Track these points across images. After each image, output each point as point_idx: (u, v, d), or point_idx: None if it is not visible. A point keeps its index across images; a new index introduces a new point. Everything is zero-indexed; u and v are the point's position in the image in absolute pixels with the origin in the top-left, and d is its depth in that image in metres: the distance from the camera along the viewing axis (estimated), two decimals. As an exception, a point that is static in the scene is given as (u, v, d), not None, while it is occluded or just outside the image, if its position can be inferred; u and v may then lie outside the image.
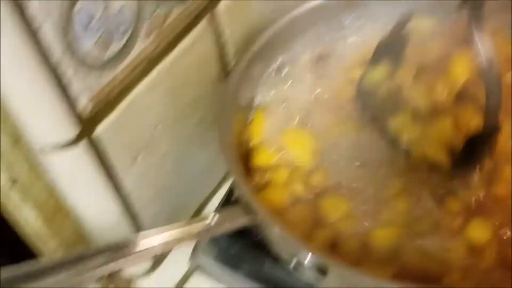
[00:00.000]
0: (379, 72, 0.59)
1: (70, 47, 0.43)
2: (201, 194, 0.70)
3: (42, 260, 0.41)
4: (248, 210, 0.50)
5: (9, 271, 0.40)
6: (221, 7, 0.59)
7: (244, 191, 0.51)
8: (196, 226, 0.48)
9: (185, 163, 0.63)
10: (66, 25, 0.42)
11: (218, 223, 0.49)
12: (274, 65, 0.65)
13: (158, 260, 0.65)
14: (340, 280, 0.48)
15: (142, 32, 0.50)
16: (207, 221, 0.49)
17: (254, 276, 0.59)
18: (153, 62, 0.53)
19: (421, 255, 0.48)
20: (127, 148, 0.54)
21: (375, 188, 0.54)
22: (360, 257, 0.50)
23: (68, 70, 0.44)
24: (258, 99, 0.64)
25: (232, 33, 0.62)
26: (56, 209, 0.53)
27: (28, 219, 0.52)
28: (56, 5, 0.41)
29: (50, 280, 0.41)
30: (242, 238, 0.60)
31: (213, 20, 0.58)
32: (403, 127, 0.56)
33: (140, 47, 0.50)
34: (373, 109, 0.59)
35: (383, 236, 0.50)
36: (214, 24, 0.59)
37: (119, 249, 0.46)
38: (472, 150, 0.51)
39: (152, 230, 0.48)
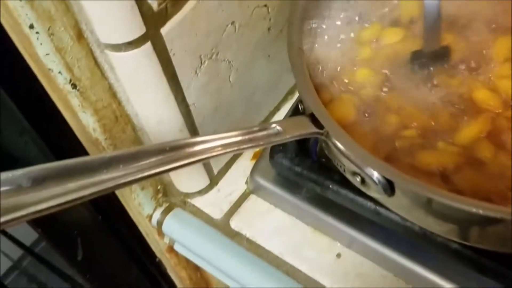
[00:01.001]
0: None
1: None
2: (266, 108, 0.66)
3: (97, 156, 0.37)
4: (314, 120, 0.45)
5: (61, 166, 0.37)
6: None
7: (310, 101, 0.46)
8: (257, 133, 0.44)
9: (250, 74, 0.59)
10: None
11: (280, 132, 0.44)
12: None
13: (215, 178, 0.62)
14: (408, 199, 0.44)
15: None
16: (269, 129, 0.44)
17: (315, 200, 0.56)
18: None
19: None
20: (192, 53, 0.49)
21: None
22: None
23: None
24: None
25: None
26: (116, 116, 0.50)
27: (87, 126, 0.48)
28: None
29: (104, 176, 0.37)
30: (304, 160, 0.56)
31: None
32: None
33: None
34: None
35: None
36: None
37: (176, 149, 0.41)
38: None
39: (211, 136, 0.43)
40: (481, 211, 0.37)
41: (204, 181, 0.60)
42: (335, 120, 0.48)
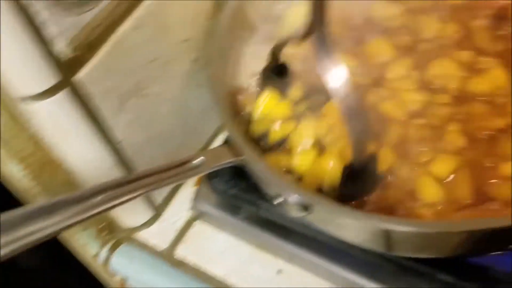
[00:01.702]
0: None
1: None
2: (207, 132, 0.67)
3: (41, 201, 0.38)
4: (233, 149, 0.48)
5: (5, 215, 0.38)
6: None
7: (230, 131, 0.49)
8: (181, 167, 0.46)
9: (182, 103, 0.60)
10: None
11: (204, 163, 0.47)
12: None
13: (159, 209, 0.63)
14: (324, 217, 0.47)
15: (121, -34, 0.46)
16: (193, 161, 0.47)
17: (253, 220, 0.58)
18: (137, -2, 0.49)
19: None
20: (115, 92, 0.51)
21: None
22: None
23: (42, 12, 0.40)
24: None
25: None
26: (44, 163, 0.51)
27: (14, 176, 0.49)
28: None
29: (48, 222, 0.39)
30: (239, 183, 0.58)
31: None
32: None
33: (121, -17, 0.47)
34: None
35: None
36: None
37: (94, 196, 0.42)
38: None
39: (128, 176, 0.45)
40: (383, 226, 0.39)
41: (148, 213, 0.62)
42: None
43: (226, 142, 0.51)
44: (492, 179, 0.46)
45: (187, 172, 0.46)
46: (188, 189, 0.65)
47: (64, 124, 0.47)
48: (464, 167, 0.47)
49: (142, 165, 0.57)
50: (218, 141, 0.68)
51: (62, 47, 0.43)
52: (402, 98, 0.52)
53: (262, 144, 0.53)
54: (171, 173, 0.45)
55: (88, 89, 0.47)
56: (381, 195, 0.46)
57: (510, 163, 0.46)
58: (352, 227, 0.44)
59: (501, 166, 0.46)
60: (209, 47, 0.56)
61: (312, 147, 0.51)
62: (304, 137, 0.52)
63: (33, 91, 0.44)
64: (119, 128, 0.52)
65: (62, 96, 0.45)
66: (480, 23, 0.57)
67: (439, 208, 0.45)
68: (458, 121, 0.50)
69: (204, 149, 0.67)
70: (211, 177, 0.60)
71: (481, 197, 0.45)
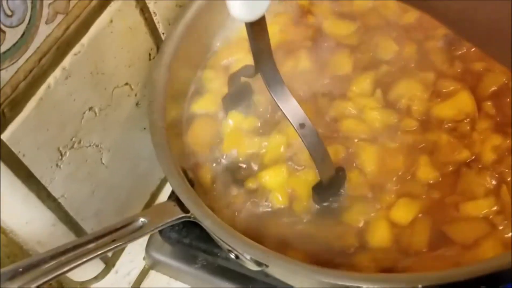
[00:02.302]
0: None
1: None
2: (156, 177, 0.64)
3: None
4: (180, 204, 0.46)
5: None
6: (140, -24, 0.52)
7: (174, 185, 0.47)
8: (120, 231, 0.44)
9: (127, 150, 0.58)
10: None
11: (145, 224, 0.45)
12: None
13: (110, 260, 0.60)
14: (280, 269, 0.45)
15: (43, 18, 0.43)
16: (133, 223, 0.45)
17: (209, 268, 0.55)
18: (65, 47, 0.46)
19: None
20: (48, 148, 0.48)
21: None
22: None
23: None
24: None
25: (158, 4, 0.55)
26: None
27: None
28: None
29: None
30: (192, 231, 0.55)
31: (132, -9, 0.52)
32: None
33: (44, 33, 0.44)
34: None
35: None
36: (134, -5, 0.52)
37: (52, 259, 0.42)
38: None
39: (84, 237, 0.43)
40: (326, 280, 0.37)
41: (98, 266, 0.59)
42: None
43: (172, 195, 0.48)
44: (453, 221, 0.45)
45: (130, 235, 0.44)
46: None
47: (-4, 187, 0.44)
48: (426, 213, 0.46)
49: (89, 218, 0.54)
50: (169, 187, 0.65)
51: (-19, 108, 0.40)
52: (366, 117, 0.51)
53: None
54: (113, 237, 0.42)
55: (17, 149, 0.44)
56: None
57: (473, 201, 0.44)
58: (306, 279, 0.41)
59: (463, 205, 0.45)
60: (151, 89, 0.53)
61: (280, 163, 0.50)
62: (271, 153, 0.52)
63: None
64: (58, 183, 0.49)
65: (-13, 160, 0.42)
66: (435, 43, 0.55)
67: (384, 256, 0.43)
68: (426, 153, 0.49)
69: (155, 193, 0.64)
70: (162, 225, 0.57)
71: (439, 242, 0.43)
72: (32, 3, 0.42)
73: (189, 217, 0.45)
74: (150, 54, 0.57)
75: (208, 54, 0.60)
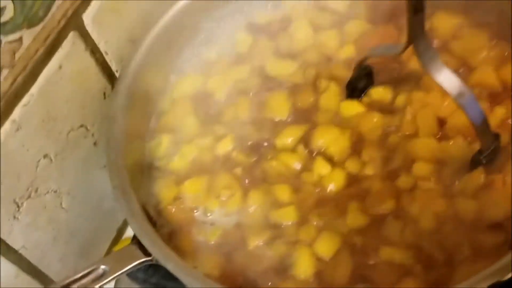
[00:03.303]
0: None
1: None
2: (117, 219, 0.63)
3: None
4: (141, 247, 0.46)
5: None
6: (87, 20, 0.51)
7: (135, 228, 0.47)
8: (81, 281, 0.44)
9: (86, 194, 0.57)
10: None
11: (106, 271, 0.44)
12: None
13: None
14: None
15: (-13, 73, 0.42)
16: (94, 272, 0.44)
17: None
18: (14, 98, 0.46)
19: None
20: (3, 200, 0.47)
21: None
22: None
23: None
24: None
25: (109, 43, 0.55)
26: None
27: None
28: None
29: None
30: (158, 270, 0.54)
31: (81, 36, 0.51)
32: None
33: (-9, 88, 0.43)
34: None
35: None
36: (83, 39, 0.51)
37: None
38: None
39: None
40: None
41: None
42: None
43: (134, 238, 0.47)
44: (371, 262, 0.46)
45: (92, 283, 0.44)
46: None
47: None
48: (347, 248, 0.47)
49: (53, 264, 0.54)
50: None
51: None
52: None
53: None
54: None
55: (-31, 207, 0.43)
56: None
57: (390, 247, 0.46)
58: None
59: (382, 249, 0.46)
60: (107, 129, 0.53)
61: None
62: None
63: None
64: (17, 234, 0.49)
65: None
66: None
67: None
68: (357, 200, 0.49)
69: (122, 228, 0.64)
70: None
71: (357, 279, 0.45)
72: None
73: (151, 260, 0.45)
74: (104, 93, 0.56)
75: (166, 87, 0.59)
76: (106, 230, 0.62)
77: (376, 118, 0.52)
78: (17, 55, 0.45)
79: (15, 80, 0.45)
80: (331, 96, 0.55)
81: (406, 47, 0.44)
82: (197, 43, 0.61)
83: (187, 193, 0.53)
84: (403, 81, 0.54)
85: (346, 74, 0.55)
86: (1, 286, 0.50)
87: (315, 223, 0.49)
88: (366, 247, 0.46)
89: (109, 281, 0.44)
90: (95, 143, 0.56)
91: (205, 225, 0.51)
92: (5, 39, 0.43)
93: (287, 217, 0.50)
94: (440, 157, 0.49)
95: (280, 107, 0.56)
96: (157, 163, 0.56)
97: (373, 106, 0.54)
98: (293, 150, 0.53)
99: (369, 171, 0.50)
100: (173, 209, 0.53)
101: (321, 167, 0.51)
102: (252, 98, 0.58)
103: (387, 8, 0.58)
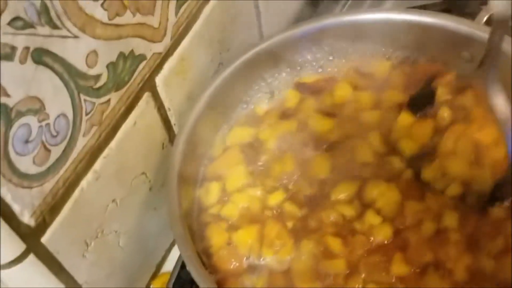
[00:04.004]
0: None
1: (8, 173, 0.41)
2: (158, 255, 0.69)
3: None
4: None
5: None
6: (159, 82, 0.57)
7: (197, 278, 0.50)
8: None
9: (139, 231, 0.62)
10: (3, 151, 0.40)
11: None
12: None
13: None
14: None
15: (81, 132, 0.48)
16: None
17: None
18: (96, 152, 0.51)
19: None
20: (77, 242, 0.52)
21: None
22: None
23: (7, 195, 0.42)
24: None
25: (172, 100, 0.61)
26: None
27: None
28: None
29: None
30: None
31: (152, 96, 0.57)
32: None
33: (81, 145, 0.49)
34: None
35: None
36: (154, 99, 0.57)
37: None
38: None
39: None
40: None
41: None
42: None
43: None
44: None
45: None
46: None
47: (33, 281, 0.48)
48: None
49: (104, 297, 0.59)
50: (175, 251, 0.70)
51: (26, 219, 0.45)
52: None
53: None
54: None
55: (53, 248, 0.48)
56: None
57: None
58: None
59: None
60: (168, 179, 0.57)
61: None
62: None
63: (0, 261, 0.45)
64: (82, 272, 0.54)
65: (29, 261, 0.46)
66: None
67: None
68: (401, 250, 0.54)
69: (160, 264, 0.69)
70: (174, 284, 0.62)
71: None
72: (73, 121, 0.47)
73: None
74: (163, 144, 0.62)
75: (217, 137, 0.65)
76: (148, 265, 0.67)
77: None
78: (105, 114, 0.51)
79: (100, 136, 0.51)
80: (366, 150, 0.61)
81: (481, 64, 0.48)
82: (248, 97, 0.66)
83: (238, 241, 0.57)
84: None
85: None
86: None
87: (363, 275, 0.53)
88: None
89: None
90: (150, 188, 0.62)
91: (255, 272, 0.55)
92: (98, 101, 0.49)
93: (337, 267, 0.54)
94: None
95: (321, 166, 0.61)
96: (209, 210, 0.60)
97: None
98: (348, 202, 0.57)
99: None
100: (224, 254, 0.57)
101: (372, 218, 0.55)
102: (297, 154, 0.62)
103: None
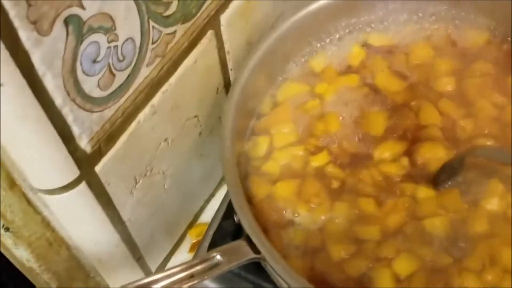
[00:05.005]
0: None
1: (72, 92, 0.39)
2: (202, 198, 0.67)
3: None
4: (251, 244, 0.48)
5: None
6: (223, 21, 0.55)
7: (246, 225, 0.48)
8: (198, 267, 0.46)
9: (184, 175, 0.61)
10: (70, 68, 0.38)
11: (220, 262, 0.47)
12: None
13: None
14: None
15: (145, 61, 0.46)
16: (210, 261, 0.47)
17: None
18: (156, 86, 0.49)
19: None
20: (127, 177, 0.50)
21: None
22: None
23: (69, 116, 0.40)
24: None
25: (232, 44, 0.58)
26: (50, 242, 0.50)
27: (21, 258, 0.48)
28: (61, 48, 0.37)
29: None
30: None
31: (216, 34, 0.54)
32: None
33: (143, 75, 0.47)
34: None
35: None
36: (216, 38, 0.55)
37: None
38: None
39: (156, 275, 0.46)
40: None
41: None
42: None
43: (241, 235, 0.50)
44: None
45: (207, 272, 0.46)
46: (182, 255, 0.65)
47: (79, 211, 0.47)
48: (424, 271, 0.49)
49: (143, 240, 0.57)
50: (213, 203, 0.68)
51: (83, 144, 0.43)
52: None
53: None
54: (191, 273, 0.45)
55: (105, 179, 0.47)
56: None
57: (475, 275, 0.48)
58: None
59: (466, 276, 0.48)
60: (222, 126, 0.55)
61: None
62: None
63: (52, 186, 0.43)
64: (127, 209, 0.52)
65: (80, 189, 0.45)
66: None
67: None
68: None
69: (198, 214, 0.67)
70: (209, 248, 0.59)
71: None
72: (140, 47, 0.44)
73: (259, 258, 0.48)
74: (217, 88, 0.59)
75: (270, 89, 0.62)
76: (187, 213, 0.66)
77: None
78: (169, 47, 0.48)
79: (161, 68, 0.49)
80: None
81: None
82: (308, 52, 0.64)
83: (278, 193, 0.55)
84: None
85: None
86: (102, 252, 0.53)
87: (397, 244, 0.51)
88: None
89: (223, 271, 0.46)
90: (200, 133, 0.60)
91: (292, 226, 0.54)
92: (165, 31, 0.47)
93: (371, 234, 0.53)
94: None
95: (377, 124, 0.59)
96: (252, 162, 0.58)
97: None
98: (394, 160, 0.55)
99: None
100: (264, 206, 0.55)
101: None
102: (352, 110, 0.60)
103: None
